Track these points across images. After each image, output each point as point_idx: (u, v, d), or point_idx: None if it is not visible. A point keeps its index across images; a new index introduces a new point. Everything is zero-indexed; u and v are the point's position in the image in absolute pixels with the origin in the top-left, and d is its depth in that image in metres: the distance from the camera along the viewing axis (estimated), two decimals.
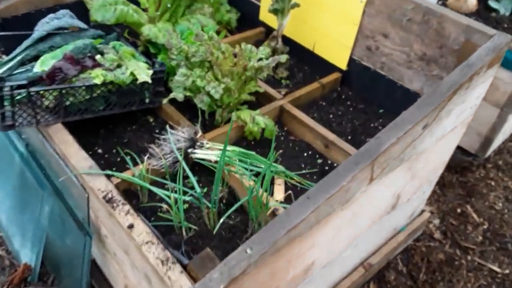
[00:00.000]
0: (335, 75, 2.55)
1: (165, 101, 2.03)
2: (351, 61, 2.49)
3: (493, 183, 3.19)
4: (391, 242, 2.45)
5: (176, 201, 1.64)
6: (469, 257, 2.69)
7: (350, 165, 1.55)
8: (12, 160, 2.15)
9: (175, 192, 1.78)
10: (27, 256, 2.20)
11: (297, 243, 1.47)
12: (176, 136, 1.91)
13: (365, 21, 2.32)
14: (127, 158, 1.90)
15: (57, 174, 1.89)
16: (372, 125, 2.37)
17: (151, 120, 2.22)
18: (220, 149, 1.95)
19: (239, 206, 1.88)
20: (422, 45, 2.16)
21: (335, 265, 1.97)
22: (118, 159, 2.00)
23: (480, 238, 2.81)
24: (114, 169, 1.96)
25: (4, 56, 2.03)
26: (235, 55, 2.12)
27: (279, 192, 1.95)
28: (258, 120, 2.08)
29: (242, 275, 1.28)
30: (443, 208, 2.97)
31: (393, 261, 2.57)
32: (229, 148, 1.95)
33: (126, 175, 1.78)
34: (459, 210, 2.97)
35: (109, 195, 1.59)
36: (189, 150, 1.90)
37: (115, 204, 1.55)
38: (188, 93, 2.02)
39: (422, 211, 2.65)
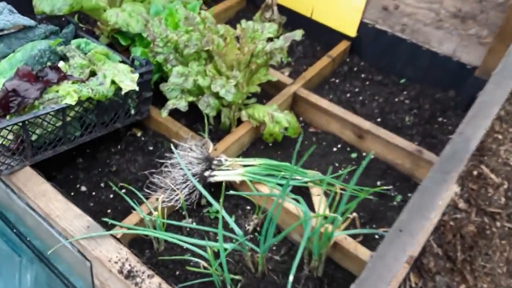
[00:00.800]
0: (343, 45, 2.16)
1: (164, 114, 1.55)
2: (362, 25, 2.10)
3: (500, 137, 3.01)
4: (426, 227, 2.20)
5: (213, 251, 1.23)
6: (498, 224, 2.51)
7: (440, 176, 1.20)
8: None
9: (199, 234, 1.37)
10: None
11: None
12: (186, 158, 1.47)
13: None
14: (123, 194, 1.44)
15: (35, 233, 1.41)
16: (397, 99, 2.03)
17: (139, 134, 1.74)
18: (244, 166, 1.53)
19: (278, 232, 1.51)
20: (456, 0, 1.80)
21: None
22: (111, 196, 1.54)
23: (503, 200, 2.64)
24: (109, 212, 1.50)
25: None
26: (237, 39, 1.66)
27: (321, 205, 1.58)
28: (279, 118, 1.67)
29: None
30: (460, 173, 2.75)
31: (427, 244, 2.33)
32: (256, 161, 1.54)
33: (133, 223, 1.34)
34: (475, 173, 2.77)
35: (127, 266, 1.15)
36: (207, 174, 1.48)
37: (138, 279, 1.13)
38: (189, 98, 1.56)
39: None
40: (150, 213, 1.39)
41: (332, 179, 1.62)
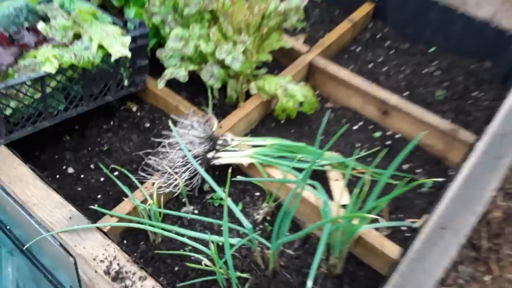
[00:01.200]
0: (366, 8, 1.91)
1: (160, 84, 1.33)
2: None
3: None
4: None
5: (216, 245, 1.05)
6: None
7: (491, 161, 1.00)
8: None
9: (199, 224, 1.19)
10: None
11: None
12: (187, 137, 1.27)
13: None
14: (114, 177, 1.26)
15: (15, 221, 1.24)
16: (425, 71, 1.80)
17: (134, 109, 1.54)
18: (252, 146, 1.34)
19: (291, 221, 1.32)
20: None
21: None
22: (101, 179, 1.36)
23: None
24: (99, 196, 1.31)
25: None
26: None
27: (341, 192, 1.39)
28: (293, 92, 1.46)
29: None
30: None
31: None
32: (267, 141, 1.33)
33: (124, 213, 1.15)
34: None
35: (115, 266, 0.97)
36: (210, 155, 1.28)
37: (128, 282, 0.95)
38: (190, 66, 1.35)
39: None
40: (145, 201, 1.21)
41: (353, 161, 1.42)
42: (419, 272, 0.89)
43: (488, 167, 0.99)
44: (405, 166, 1.49)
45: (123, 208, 1.20)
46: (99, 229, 1.05)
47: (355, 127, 1.60)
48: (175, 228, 1.11)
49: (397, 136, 1.58)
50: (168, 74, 1.30)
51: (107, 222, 1.15)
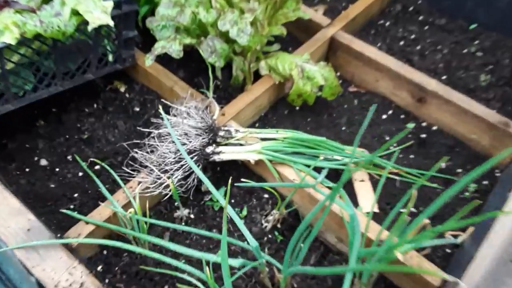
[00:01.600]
0: None
1: (148, 61, 1.08)
2: None
3: None
4: None
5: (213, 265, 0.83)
6: None
7: None
8: None
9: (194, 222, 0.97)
10: None
11: None
12: (181, 127, 1.03)
13: None
14: (92, 174, 1.03)
15: None
16: (466, 51, 1.53)
17: (122, 89, 1.31)
18: (261, 139, 1.10)
19: (306, 228, 1.09)
20: None
21: None
22: (80, 174, 1.13)
23: None
24: (76, 195, 1.09)
25: None
26: None
27: (366, 197, 1.15)
28: (312, 73, 1.21)
29: None
30: None
31: None
32: (279, 134, 1.09)
33: (104, 224, 0.93)
34: None
35: None
36: (209, 150, 1.04)
37: None
38: (188, 40, 1.10)
39: None
40: (129, 204, 0.98)
41: (382, 159, 1.18)
42: None
43: None
44: (443, 165, 1.25)
45: (101, 213, 0.97)
46: (66, 246, 0.83)
47: (384, 116, 1.35)
48: (163, 243, 0.88)
49: (433, 128, 1.33)
50: (158, 48, 1.06)
51: (80, 231, 0.93)
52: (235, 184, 0.99)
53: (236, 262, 0.86)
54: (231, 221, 1.06)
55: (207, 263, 0.83)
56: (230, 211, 0.88)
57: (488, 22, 1.58)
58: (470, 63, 1.49)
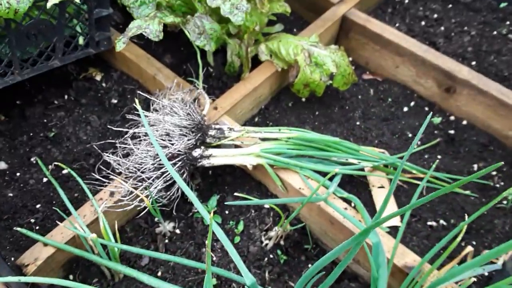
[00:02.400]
0: None
1: (120, 44, 0.88)
2: None
3: None
4: None
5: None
6: None
7: None
8: None
9: (181, 248, 0.79)
10: None
11: None
12: (163, 126, 0.84)
13: None
14: (54, 181, 0.85)
15: None
16: (496, 32, 1.33)
17: (98, 78, 1.11)
18: (262, 139, 0.91)
19: (314, 246, 0.91)
20: None
21: None
22: (45, 180, 0.95)
23: None
24: (38, 206, 0.91)
25: None
26: None
27: (388, 205, 0.96)
28: (321, 58, 1.01)
29: None
30: None
31: None
32: (282, 134, 0.90)
33: (66, 247, 0.76)
34: None
35: None
36: (197, 153, 0.86)
37: None
38: (170, 19, 0.90)
39: None
40: (96, 220, 0.80)
41: (406, 162, 1.00)
42: None
43: None
44: (477, 166, 1.06)
45: (63, 232, 0.79)
46: (18, 268, 0.65)
47: (405, 109, 1.16)
48: (135, 274, 0.70)
49: (463, 122, 1.14)
50: (133, 28, 0.86)
51: (38, 254, 0.75)
52: (226, 203, 0.80)
53: None
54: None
55: None
56: (220, 234, 0.69)
57: None
58: (502, 47, 1.29)
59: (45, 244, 0.78)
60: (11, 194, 0.92)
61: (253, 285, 0.66)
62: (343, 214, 0.81)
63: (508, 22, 1.37)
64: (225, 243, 0.69)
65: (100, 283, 0.83)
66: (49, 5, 0.82)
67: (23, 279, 0.60)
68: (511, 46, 1.30)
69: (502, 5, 1.42)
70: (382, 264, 0.66)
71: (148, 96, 0.94)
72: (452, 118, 1.14)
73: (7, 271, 0.70)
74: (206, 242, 0.67)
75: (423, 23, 1.35)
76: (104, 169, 0.91)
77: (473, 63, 1.24)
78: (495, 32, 1.34)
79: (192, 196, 0.75)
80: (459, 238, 0.69)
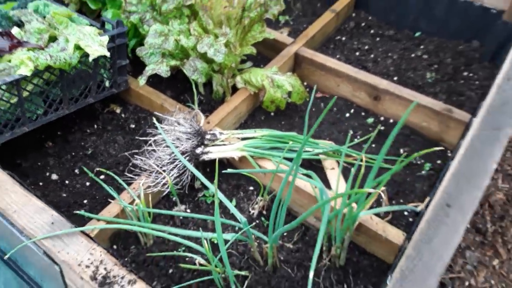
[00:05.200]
0: None
1: (141, 81, 1.28)
2: None
3: None
4: None
5: (211, 243, 1.00)
6: None
7: (490, 133, 0.96)
8: None
9: (195, 223, 1.14)
10: None
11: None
12: (173, 133, 1.22)
13: None
14: (100, 181, 1.21)
15: (1, 235, 1.17)
16: (413, 55, 1.77)
17: (118, 111, 1.49)
18: (242, 139, 1.29)
19: (288, 214, 1.27)
20: None
21: None
22: (87, 184, 1.30)
23: None
24: (85, 201, 1.25)
25: None
26: None
27: (337, 180, 1.34)
28: (280, 82, 1.42)
29: None
30: None
31: None
32: (257, 133, 1.29)
33: (112, 216, 1.10)
34: None
35: (102, 271, 0.91)
36: (199, 151, 1.23)
37: (117, 287, 0.89)
38: (172, 62, 1.30)
39: None
40: (133, 202, 1.15)
41: (348, 149, 1.38)
42: (427, 253, 0.84)
43: (488, 139, 0.95)
44: (402, 150, 1.45)
45: (110, 211, 1.14)
46: (83, 233, 0.99)
47: (347, 115, 1.56)
48: (166, 228, 1.05)
49: (390, 121, 1.54)
50: (149, 70, 1.26)
51: (90, 230, 1.09)
52: (224, 172, 1.16)
53: (229, 236, 1.03)
54: (222, 211, 1.23)
55: (205, 239, 1.00)
56: (221, 197, 1.05)
57: (430, 29, 1.83)
58: (417, 65, 1.73)
59: (98, 220, 1.12)
60: (64, 195, 1.27)
61: (245, 223, 1.02)
62: (305, 179, 1.18)
63: (422, 46, 1.82)
64: (224, 201, 1.06)
65: (137, 248, 1.17)
66: (90, 59, 1.21)
67: (98, 227, 0.95)
68: (424, 64, 1.73)
69: (417, 34, 1.87)
70: (326, 201, 1.02)
71: (161, 116, 1.31)
72: (382, 118, 1.55)
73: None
74: (215, 201, 1.03)
75: (357, 53, 1.79)
76: (132, 169, 1.26)
77: (395, 78, 1.66)
78: (412, 55, 1.79)
79: (199, 174, 1.12)
80: (381, 185, 1.06)
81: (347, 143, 1.24)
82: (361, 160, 1.36)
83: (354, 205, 1.04)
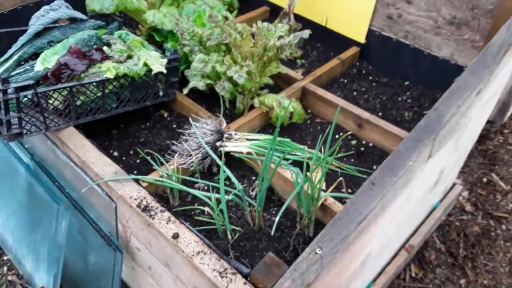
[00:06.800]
0: (353, 50, 2.39)
1: (185, 91, 1.83)
2: (370, 32, 2.33)
3: None
4: (428, 220, 2.32)
5: (218, 201, 1.46)
6: (503, 227, 2.59)
7: (413, 143, 1.39)
8: (15, 173, 1.93)
9: (208, 190, 1.60)
10: (43, 279, 1.99)
11: (363, 235, 1.32)
12: (201, 129, 1.72)
13: None
14: (148, 158, 1.71)
15: (73, 185, 1.69)
16: (400, 99, 2.23)
17: (165, 115, 2.02)
18: (250, 140, 1.77)
19: (278, 200, 1.72)
20: (451, 8, 2.01)
21: (385, 251, 1.84)
22: (138, 161, 1.81)
23: (511, 205, 2.72)
24: (135, 172, 1.76)
25: None
26: (252, 35, 1.93)
27: (316, 175, 1.78)
28: (285, 104, 1.91)
29: (316, 280, 1.13)
30: (469, 179, 2.86)
31: (430, 239, 2.45)
32: (262, 137, 1.77)
33: (155, 177, 1.59)
34: (485, 180, 2.87)
35: (144, 203, 1.40)
36: (218, 144, 1.72)
37: (152, 212, 1.37)
38: (208, 81, 1.83)
39: (454, 184, 2.53)
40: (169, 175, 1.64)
41: (330, 158, 1.83)
42: (353, 211, 1.27)
43: (410, 146, 1.38)
44: (375, 166, 1.88)
45: (152, 176, 1.64)
46: (134, 180, 1.49)
47: (336, 136, 2.01)
48: (189, 189, 1.53)
49: (370, 144, 1.98)
50: (191, 84, 1.79)
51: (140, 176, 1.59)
52: (232, 154, 1.63)
53: (229, 197, 1.49)
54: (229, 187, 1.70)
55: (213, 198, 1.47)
56: (227, 171, 1.53)
57: (417, 80, 2.28)
58: (400, 106, 2.17)
59: (143, 181, 1.61)
60: (121, 166, 1.78)
61: (241, 190, 1.48)
62: (290, 168, 1.63)
63: (408, 93, 2.27)
64: (228, 173, 1.53)
65: (166, 206, 1.65)
66: (153, 73, 1.75)
67: (144, 178, 1.44)
68: (406, 106, 2.17)
69: (406, 83, 2.33)
70: (301, 185, 1.47)
71: (196, 117, 1.82)
72: (363, 142, 1.99)
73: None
74: (220, 170, 1.50)
75: (355, 93, 2.26)
76: (171, 152, 1.77)
77: (380, 113, 2.11)
78: (399, 98, 2.23)
79: (215, 157, 1.60)
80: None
81: (333, 155, 1.69)
82: (337, 167, 1.81)
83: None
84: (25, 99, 1.51)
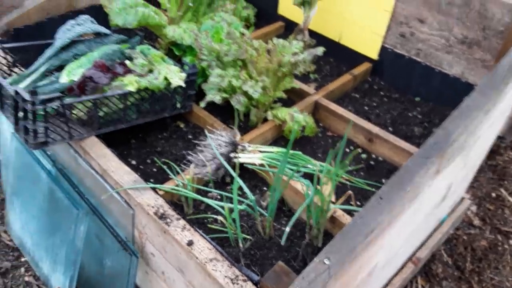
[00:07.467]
0: (365, 65, 2.45)
1: (202, 104, 1.91)
2: (383, 49, 2.39)
3: None
4: (436, 234, 2.36)
5: (230, 210, 1.53)
6: (511, 242, 2.61)
7: (421, 159, 1.44)
8: (37, 179, 2.02)
9: (222, 200, 1.67)
10: (59, 281, 2.07)
11: (371, 247, 1.37)
12: (216, 141, 1.80)
13: (398, 7, 2.22)
14: (165, 167, 1.79)
15: (93, 191, 1.77)
16: (410, 114, 2.27)
17: (182, 126, 2.10)
18: (263, 152, 1.84)
19: (288, 210, 1.78)
20: (463, 28, 2.06)
21: (391, 263, 1.88)
22: (154, 170, 1.89)
23: None
24: (152, 180, 1.84)
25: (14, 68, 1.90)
26: (268, 52, 2.01)
27: (326, 187, 1.84)
28: (298, 118, 1.97)
29: None
30: (478, 193, 2.88)
31: (437, 252, 2.48)
32: (274, 149, 1.84)
33: (171, 186, 1.67)
34: (494, 195, 2.89)
35: (161, 210, 1.47)
36: (232, 155, 1.79)
37: (168, 220, 1.44)
38: (224, 95, 1.91)
39: (462, 199, 2.56)
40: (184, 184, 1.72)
41: (340, 171, 1.88)
42: (360, 224, 1.32)
43: (418, 162, 1.43)
44: (384, 180, 1.93)
45: (168, 184, 1.71)
46: (152, 189, 1.56)
47: (347, 150, 2.07)
48: (202, 198, 1.60)
49: (380, 158, 2.03)
50: (208, 97, 1.87)
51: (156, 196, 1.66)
52: (244, 166, 1.70)
53: (242, 206, 1.56)
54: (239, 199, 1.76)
55: (226, 207, 1.54)
56: (238, 180, 1.59)
57: (427, 96, 2.33)
58: (411, 122, 2.22)
59: (160, 189, 1.69)
60: (138, 174, 1.86)
61: (253, 200, 1.54)
62: (301, 180, 1.69)
63: (419, 109, 2.31)
64: (241, 183, 1.60)
65: (181, 214, 1.72)
66: (172, 86, 1.84)
67: (160, 187, 1.52)
68: (416, 121, 2.22)
69: (417, 99, 2.38)
70: (311, 194, 1.53)
71: (211, 129, 1.90)
72: (373, 156, 2.04)
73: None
74: (234, 181, 1.57)
75: (366, 107, 2.31)
76: (186, 162, 1.84)
77: (390, 128, 2.16)
78: (410, 114, 2.28)
79: (228, 167, 1.67)
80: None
81: (344, 168, 1.75)
82: (347, 180, 1.87)
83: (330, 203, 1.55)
84: (51, 109, 1.60)
